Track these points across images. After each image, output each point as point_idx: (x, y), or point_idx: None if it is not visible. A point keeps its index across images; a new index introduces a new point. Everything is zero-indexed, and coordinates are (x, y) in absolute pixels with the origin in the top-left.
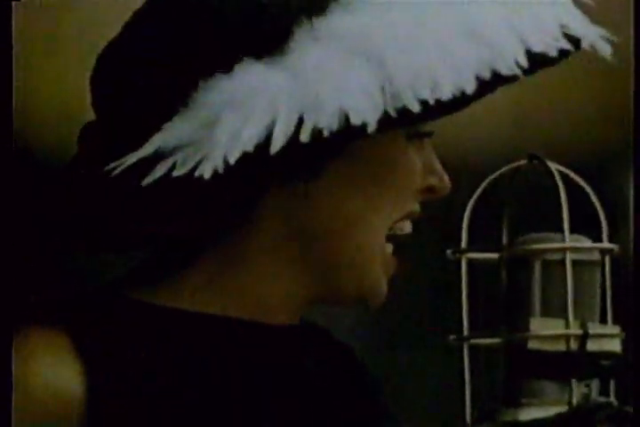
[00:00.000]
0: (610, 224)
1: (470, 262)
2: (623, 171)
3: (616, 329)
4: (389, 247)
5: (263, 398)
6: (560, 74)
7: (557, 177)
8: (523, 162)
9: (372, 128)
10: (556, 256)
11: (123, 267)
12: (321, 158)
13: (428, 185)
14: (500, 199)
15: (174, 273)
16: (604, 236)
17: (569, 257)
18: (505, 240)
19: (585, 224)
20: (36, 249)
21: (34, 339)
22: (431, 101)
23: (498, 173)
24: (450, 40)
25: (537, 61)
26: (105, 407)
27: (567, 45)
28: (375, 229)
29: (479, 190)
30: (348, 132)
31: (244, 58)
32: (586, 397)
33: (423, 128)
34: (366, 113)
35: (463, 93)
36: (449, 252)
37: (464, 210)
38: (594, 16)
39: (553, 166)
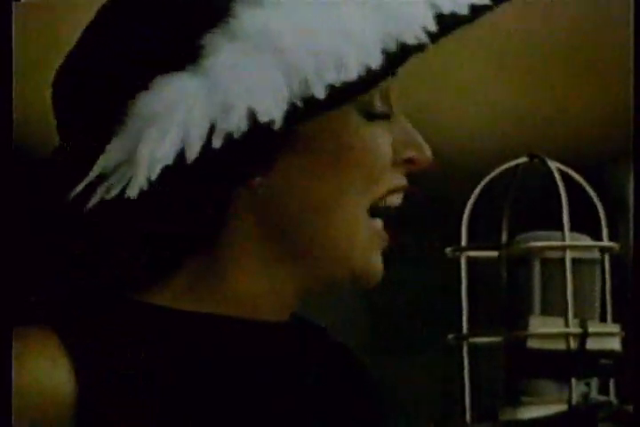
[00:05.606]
0: (610, 222)
1: (470, 261)
2: (623, 170)
3: (616, 328)
4: (378, 222)
5: (256, 396)
6: (561, 73)
7: (557, 175)
8: (523, 160)
9: (278, 124)
10: (556, 254)
11: (112, 267)
12: (267, 153)
13: (406, 157)
14: (500, 197)
15: (164, 273)
16: (604, 234)
17: (568, 255)
18: (504, 238)
19: (585, 222)
20: (31, 251)
21: (23, 339)
22: (337, 84)
23: (498, 170)
24: (353, 19)
25: (447, 23)
26: (96, 407)
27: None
28: (350, 211)
29: (479, 188)
30: (259, 132)
31: (158, 75)
32: (585, 396)
33: (380, 109)
34: (273, 109)
35: (369, 70)
36: (449, 250)
37: (464, 208)
38: (594, 16)
39: (553, 164)
